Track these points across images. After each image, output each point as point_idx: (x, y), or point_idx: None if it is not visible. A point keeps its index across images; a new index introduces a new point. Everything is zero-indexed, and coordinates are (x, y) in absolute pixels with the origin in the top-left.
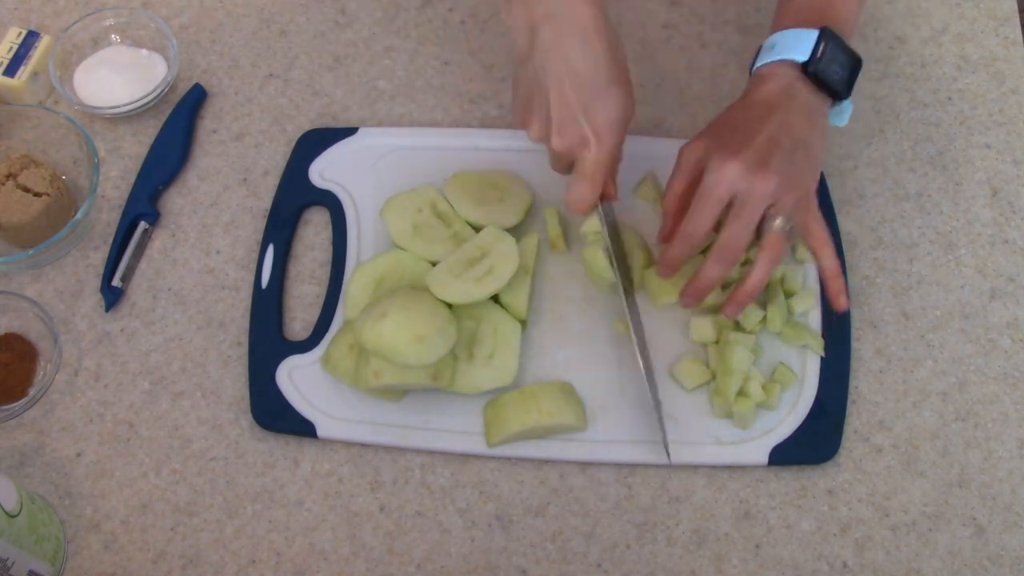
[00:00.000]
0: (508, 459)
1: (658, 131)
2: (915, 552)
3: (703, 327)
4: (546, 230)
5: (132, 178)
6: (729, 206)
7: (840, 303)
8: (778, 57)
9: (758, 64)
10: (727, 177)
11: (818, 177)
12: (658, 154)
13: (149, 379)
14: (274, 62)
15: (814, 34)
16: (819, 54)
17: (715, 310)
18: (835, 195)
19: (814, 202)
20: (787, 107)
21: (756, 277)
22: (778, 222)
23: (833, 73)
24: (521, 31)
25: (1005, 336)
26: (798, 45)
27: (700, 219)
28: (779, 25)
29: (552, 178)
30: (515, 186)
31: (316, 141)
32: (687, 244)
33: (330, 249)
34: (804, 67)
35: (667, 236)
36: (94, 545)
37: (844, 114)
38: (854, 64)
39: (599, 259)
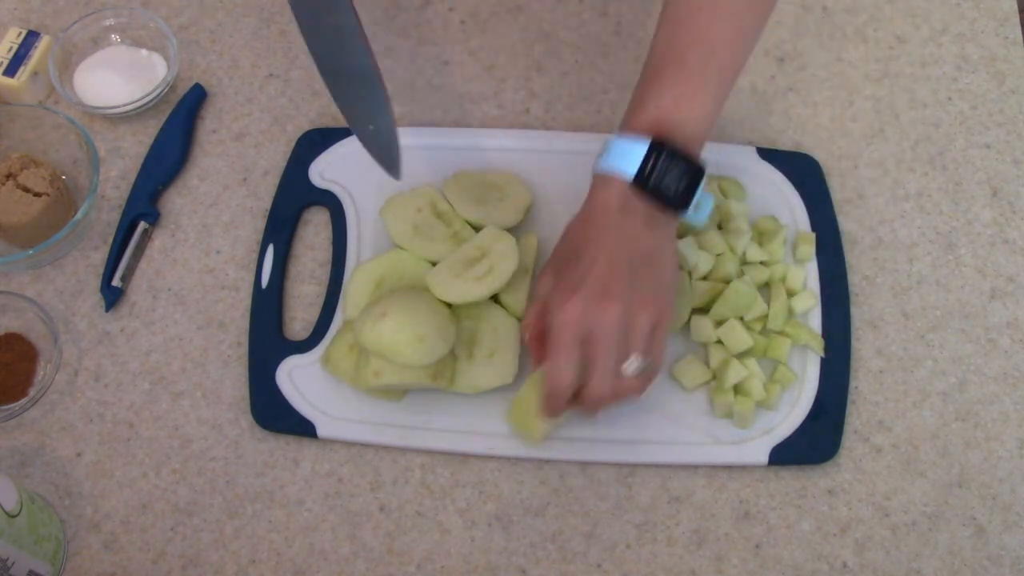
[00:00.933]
0: (508, 459)
1: None
2: (915, 552)
3: (703, 327)
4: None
5: (132, 178)
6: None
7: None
8: (607, 167)
9: (599, 165)
10: (571, 318)
11: (675, 286)
12: None
13: (149, 379)
14: (274, 62)
15: (643, 147)
16: (648, 169)
17: (705, 310)
18: (835, 195)
19: (667, 317)
20: (623, 224)
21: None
22: (633, 365)
23: (666, 188)
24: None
25: (1005, 336)
26: (629, 157)
27: (561, 371)
28: (624, 124)
29: (552, 178)
30: (515, 186)
31: (316, 141)
32: (558, 397)
33: (330, 249)
34: (639, 182)
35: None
36: (94, 545)
37: (702, 211)
38: (693, 174)
39: None
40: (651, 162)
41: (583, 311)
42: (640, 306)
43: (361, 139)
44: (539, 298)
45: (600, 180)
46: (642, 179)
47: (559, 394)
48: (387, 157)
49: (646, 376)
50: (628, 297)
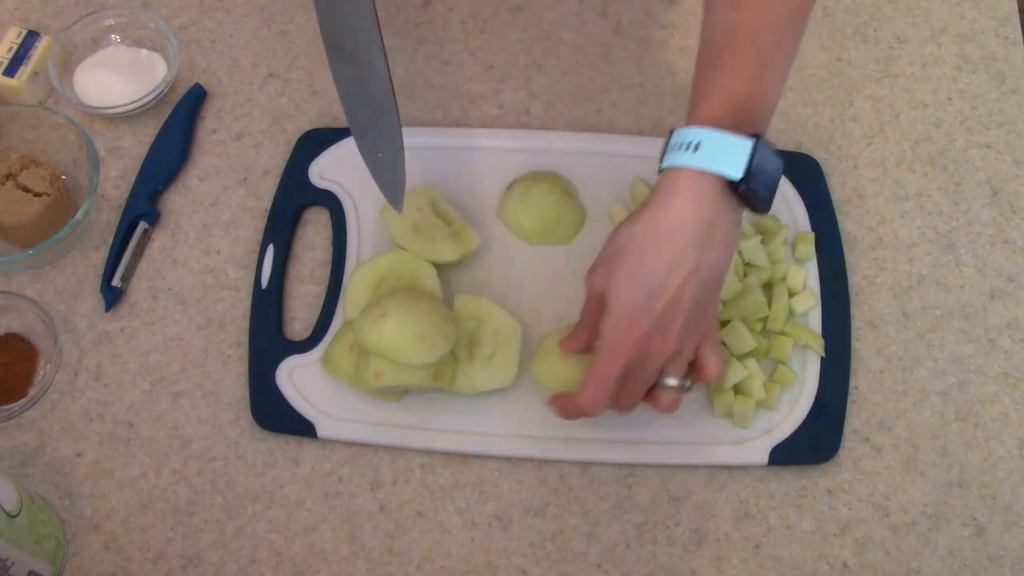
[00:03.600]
0: (508, 459)
1: (657, 131)
2: (915, 552)
3: None
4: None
5: (132, 178)
6: None
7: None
8: (705, 167)
9: (675, 162)
10: (624, 353)
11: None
12: (655, 154)
13: (149, 379)
14: (274, 62)
15: (748, 144)
16: (752, 170)
17: None
18: (835, 195)
19: (713, 335)
20: (706, 243)
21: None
22: (672, 382)
23: (763, 188)
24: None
25: (1005, 336)
26: (731, 156)
27: (597, 394)
28: (700, 111)
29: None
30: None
31: (316, 141)
32: (595, 406)
33: (330, 249)
34: (734, 184)
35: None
36: (94, 545)
37: None
38: (778, 175)
39: None
40: (754, 163)
41: (641, 348)
42: (693, 337)
43: (368, 165)
44: (593, 295)
45: (679, 184)
46: (744, 183)
47: (597, 410)
48: (392, 187)
49: (680, 390)
50: (685, 335)
